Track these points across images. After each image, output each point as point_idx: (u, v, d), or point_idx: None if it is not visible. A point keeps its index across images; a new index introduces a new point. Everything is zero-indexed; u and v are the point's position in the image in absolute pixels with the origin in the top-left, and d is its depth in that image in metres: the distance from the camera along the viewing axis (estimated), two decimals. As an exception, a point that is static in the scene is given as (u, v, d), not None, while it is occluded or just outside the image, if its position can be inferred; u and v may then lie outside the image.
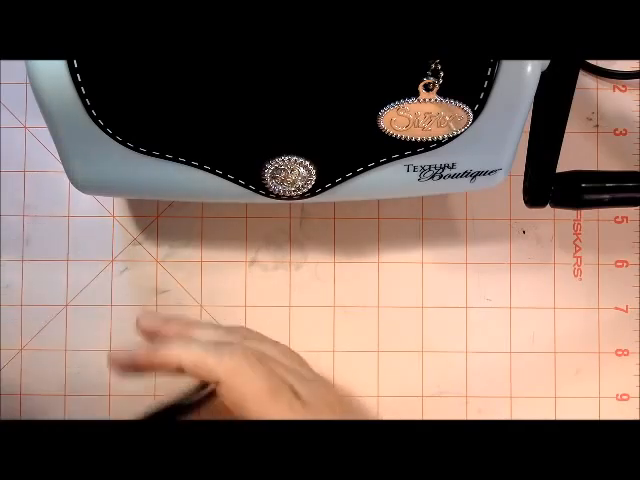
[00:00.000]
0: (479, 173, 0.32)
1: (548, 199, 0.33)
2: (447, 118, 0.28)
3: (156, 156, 0.30)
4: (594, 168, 0.43)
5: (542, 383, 0.42)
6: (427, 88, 0.27)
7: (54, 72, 0.27)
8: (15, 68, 0.42)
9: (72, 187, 0.33)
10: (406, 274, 0.42)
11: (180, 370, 0.31)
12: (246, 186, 0.32)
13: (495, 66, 0.27)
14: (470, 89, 0.28)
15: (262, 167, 0.31)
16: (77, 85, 0.27)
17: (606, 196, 0.33)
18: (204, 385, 0.31)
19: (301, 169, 0.31)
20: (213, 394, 0.31)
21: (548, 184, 0.33)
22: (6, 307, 0.42)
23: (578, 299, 0.43)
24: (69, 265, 0.42)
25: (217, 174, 0.31)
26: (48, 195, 0.42)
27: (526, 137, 0.33)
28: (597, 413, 0.42)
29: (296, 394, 0.32)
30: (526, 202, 0.34)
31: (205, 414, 0.33)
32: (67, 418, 0.42)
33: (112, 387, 0.42)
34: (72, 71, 0.27)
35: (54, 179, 0.42)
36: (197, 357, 0.31)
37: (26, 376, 0.42)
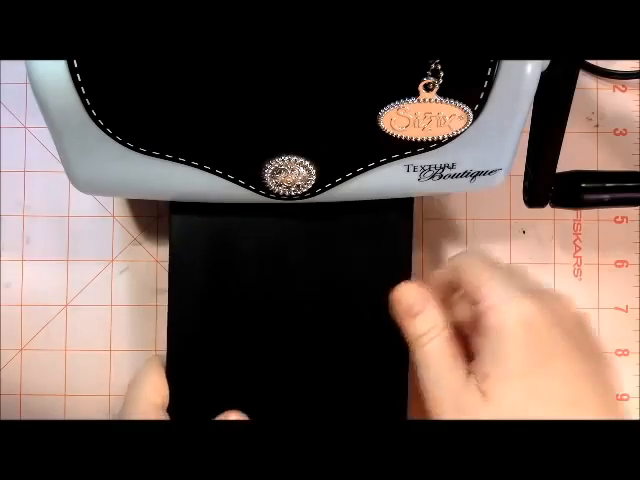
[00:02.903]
0: (479, 173, 0.32)
1: (548, 199, 0.33)
2: (447, 118, 0.28)
3: (156, 156, 0.30)
4: (594, 168, 0.43)
5: (542, 383, 0.42)
6: (427, 88, 0.27)
7: (54, 72, 0.27)
8: (15, 68, 0.42)
9: (72, 187, 0.33)
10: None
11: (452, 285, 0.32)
12: (246, 186, 0.32)
13: (495, 66, 0.27)
14: (470, 89, 0.28)
15: (262, 167, 0.31)
16: (77, 85, 0.27)
17: (606, 196, 0.33)
18: None
19: (301, 169, 0.31)
20: None
21: (548, 184, 0.33)
22: (6, 307, 0.42)
23: (578, 299, 0.42)
24: (69, 265, 0.42)
25: (217, 174, 0.31)
26: (48, 195, 0.42)
27: (526, 137, 0.33)
28: (597, 413, 0.42)
29: None
30: (526, 202, 0.34)
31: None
32: (67, 418, 0.42)
33: (112, 387, 0.42)
34: (72, 71, 0.27)
35: (54, 179, 0.42)
36: (473, 265, 0.31)
37: (26, 376, 0.42)
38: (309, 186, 0.32)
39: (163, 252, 0.42)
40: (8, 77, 0.42)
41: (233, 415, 0.35)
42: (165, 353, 0.36)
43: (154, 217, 0.42)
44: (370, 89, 0.28)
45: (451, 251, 0.42)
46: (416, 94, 0.27)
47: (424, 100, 0.28)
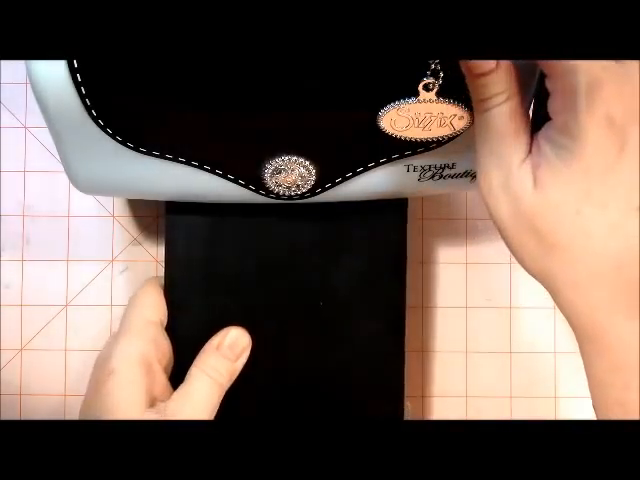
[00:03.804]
0: (479, 173, 0.32)
1: None
2: (447, 118, 0.28)
3: (156, 156, 0.30)
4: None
5: (542, 383, 0.42)
6: (427, 88, 0.27)
7: (54, 72, 0.27)
8: (15, 68, 0.42)
9: (72, 187, 0.33)
10: (406, 274, 0.42)
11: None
12: (246, 186, 0.32)
13: (495, 66, 0.27)
14: (470, 89, 0.28)
15: (262, 167, 0.31)
16: (77, 85, 0.27)
17: None
18: None
19: (301, 169, 0.31)
20: None
21: None
22: (6, 307, 0.42)
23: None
24: (69, 265, 0.42)
25: (217, 174, 0.31)
26: (48, 195, 0.42)
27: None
28: (597, 413, 0.42)
29: None
30: None
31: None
32: (67, 418, 0.42)
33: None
34: (72, 71, 0.27)
35: (54, 179, 0.42)
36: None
37: (26, 376, 0.42)
38: (309, 186, 0.32)
39: (163, 252, 0.42)
40: (8, 77, 0.42)
41: (234, 331, 0.36)
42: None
43: (154, 217, 0.42)
44: (370, 89, 0.28)
45: (451, 251, 0.43)
46: (416, 94, 0.27)
47: (424, 100, 0.28)
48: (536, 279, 0.26)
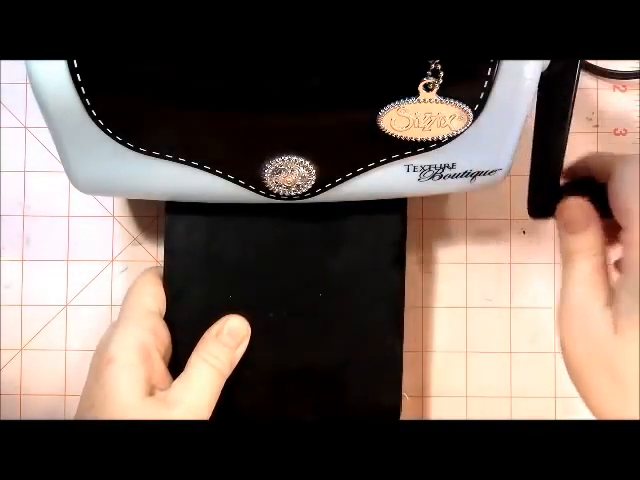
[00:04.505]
0: (479, 173, 0.32)
1: (553, 211, 0.32)
2: (447, 118, 0.28)
3: (156, 156, 0.30)
4: (594, 168, 0.43)
5: (542, 383, 0.42)
6: (427, 88, 0.27)
7: (54, 72, 0.27)
8: (15, 68, 0.42)
9: (72, 187, 0.33)
10: (406, 274, 0.42)
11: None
12: (246, 186, 0.32)
13: (495, 66, 0.27)
14: (470, 89, 0.28)
15: (262, 167, 0.31)
16: (77, 85, 0.27)
17: None
18: None
19: (301, 169, 0.31)
20: None
21: (553, 197, 0.32)
22: (6, 307, 0.42)
23: (578, 299, 0.42)
24: (69, 265, 0.42)
25: (217, 174, 0.31)
26: (48, 195, 0.42)
27: (526, 137, 0.33)
28: (597, 413, 0.42)
29: None
30: (530, 214, 0.33)
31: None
32: (67, 418, 0.42)
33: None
34: (72, 71, 0.27)
35: (54, 179, 0.42)
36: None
37: (26, 376, 0.42)
38: (309, 186, 0.32)
39: (163, 251, 0.42)
40: (8, 77, 0.42)
41: (233, 319, 0.36)
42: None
43: (154, 217, 0.42)
44: (370, 89, 0.28)
45: (451, 251, 0.43)
46: (416, 94, 0.27)
47: (424, 100, 0.28)
48: (601, 417, 0.27)
